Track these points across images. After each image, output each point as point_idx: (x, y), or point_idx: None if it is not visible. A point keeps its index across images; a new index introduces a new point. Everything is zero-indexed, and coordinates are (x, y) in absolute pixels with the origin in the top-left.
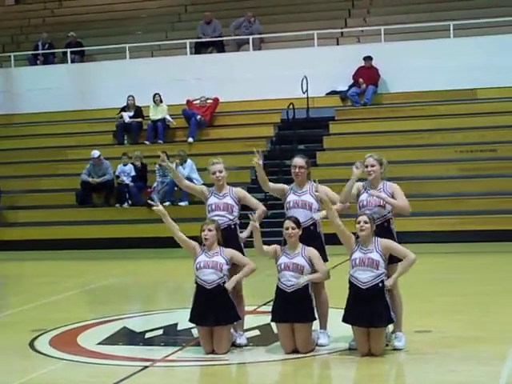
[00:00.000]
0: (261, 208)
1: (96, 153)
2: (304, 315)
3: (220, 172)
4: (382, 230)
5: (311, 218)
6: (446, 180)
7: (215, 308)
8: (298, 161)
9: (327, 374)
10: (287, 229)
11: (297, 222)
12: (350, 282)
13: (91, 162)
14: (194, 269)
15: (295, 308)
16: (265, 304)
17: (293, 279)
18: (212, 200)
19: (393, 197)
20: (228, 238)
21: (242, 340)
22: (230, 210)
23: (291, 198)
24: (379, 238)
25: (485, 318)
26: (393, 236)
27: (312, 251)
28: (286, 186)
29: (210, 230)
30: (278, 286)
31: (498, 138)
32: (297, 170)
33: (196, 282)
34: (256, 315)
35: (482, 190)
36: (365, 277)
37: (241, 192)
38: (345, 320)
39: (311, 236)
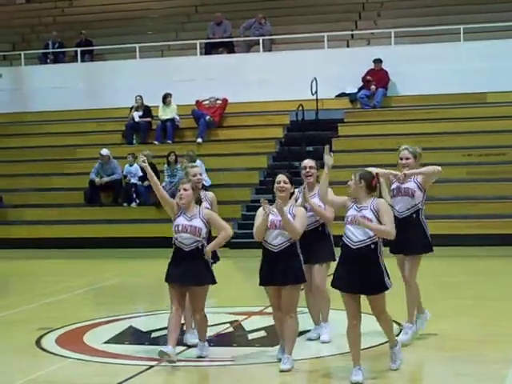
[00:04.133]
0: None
1: (104, 151)
2: (293, 275)
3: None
4: (410, 220)
5: (319, 220)
6: (454, 183)
7: (192, 269)
8: (309, 162)
9: (332, 375)
10: (279, 182)
11: (289, 177)
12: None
13: (100, 161)
14: (172, 229)
15: (283, 268)
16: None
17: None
18: None
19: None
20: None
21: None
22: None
23: (300, 201)
24: (377, 199)
25: (491, 321)
26: (422, 228)
27: (299, 210)
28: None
29: (185, 190)
30: (263, 247)
31: (508, 142)
32: (307, 171)
33: (174, 243)
34: (262, 316)
35: (491, 193)
36: (356, 235)
37: (213, 197)
38: (334, 285)
39: (320, 237)
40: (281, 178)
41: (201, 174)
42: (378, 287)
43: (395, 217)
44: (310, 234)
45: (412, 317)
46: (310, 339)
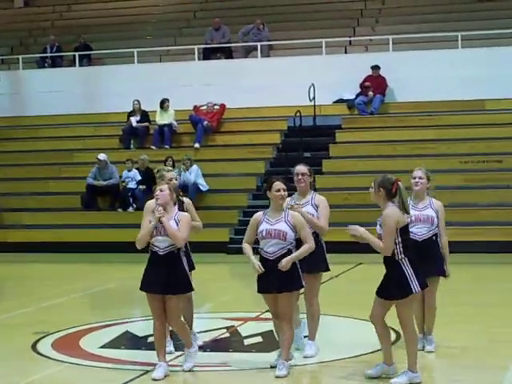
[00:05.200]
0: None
1: (101, 156)
2: (288, 283)
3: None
4: (431, 242)
5: (312, 228)
6: (451, 190)
7: (168, 277)
8: (301, 168)
9: (330, 382)
10: (278, 190)
11: (286, 183)
12: None
13: (97, 166)
14: None
15: (279, 276)
16: (268, 311)
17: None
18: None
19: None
20: None
21: (199, 342)
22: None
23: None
24: (385, 210)
25: (489, 328)
26: (439, 249)
27: (296, 217)
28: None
29: (161, 191)
30: (260, 255)
31: (505, 149)
32: (299, 177)
33: (150, 249)
34: (259, 322)
35: (488, 200)
36: None
37: (189, 202)
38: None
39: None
40: (280, 185)
41: (176, 179)
42: (394, 293)
43: (415, 241)
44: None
45: (432, 327)
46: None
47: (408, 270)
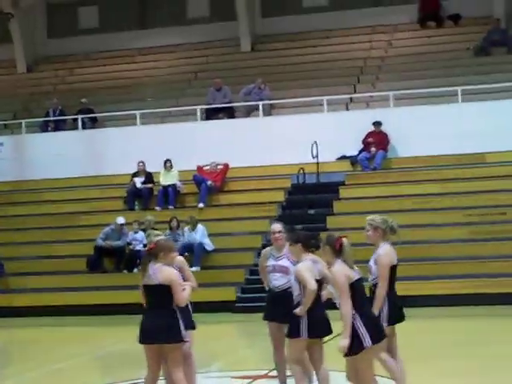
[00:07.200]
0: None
1: (121, 219)
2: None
3: None
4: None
5: (288, 282)
6: (456, 243)
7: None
8: (277, 226)
9: None
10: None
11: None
12: None
13: (112, 227)
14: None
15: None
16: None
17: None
18: None
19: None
20: None
21: None
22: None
23: (270, 262)
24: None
25: (489, 381)
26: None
27: (297, 273)
28: (264, 253)
29: None
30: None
31: (508, 202)
32: (276, 235)
33: None
34: (268, 379)
35: (493, 253)
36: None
37: (182, 261)
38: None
39: (288, 299)
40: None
41: None
42: (350, 349)
43: None
44: (279, 297)
45: None
46: None
47: (360, 328)
